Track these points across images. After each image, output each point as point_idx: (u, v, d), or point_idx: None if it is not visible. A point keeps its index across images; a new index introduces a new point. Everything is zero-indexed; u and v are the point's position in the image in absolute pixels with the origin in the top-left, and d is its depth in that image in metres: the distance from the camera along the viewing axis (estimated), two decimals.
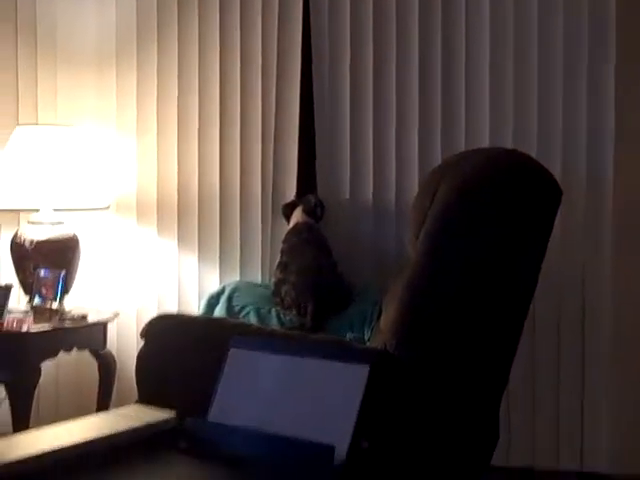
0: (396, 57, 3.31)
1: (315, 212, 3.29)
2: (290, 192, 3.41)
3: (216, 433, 1.42)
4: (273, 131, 3.41)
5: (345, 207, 3.38)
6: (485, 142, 3.22)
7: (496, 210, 2.13)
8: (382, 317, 2.55)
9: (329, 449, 1.28)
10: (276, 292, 3.12)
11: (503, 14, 3.23)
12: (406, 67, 3.31)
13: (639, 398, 3.18)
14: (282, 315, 3.03)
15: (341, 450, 1.30)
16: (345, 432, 1.32)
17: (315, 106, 3.39)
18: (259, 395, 1.45)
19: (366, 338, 2.78)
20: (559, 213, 2.29)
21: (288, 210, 3.34)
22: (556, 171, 2.99)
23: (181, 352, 2.31)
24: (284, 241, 3.25)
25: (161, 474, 1.37)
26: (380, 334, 2.40)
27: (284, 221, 3.36)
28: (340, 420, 1.34)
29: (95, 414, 1.69)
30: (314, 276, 3.06)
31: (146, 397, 2.21)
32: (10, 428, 2.84)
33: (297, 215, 3.29)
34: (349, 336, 2.80)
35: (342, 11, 3.34)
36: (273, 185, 3.43)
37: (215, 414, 1.47)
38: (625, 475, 3.17)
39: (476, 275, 2.14)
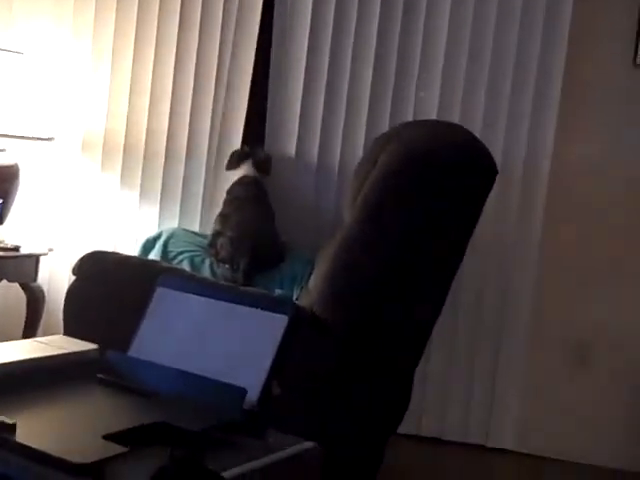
0: (356, 20, 3.31)
1: (265, 167, 3.29)
2: (237, 144, 3.41)
3: (134, 367, 1.46)
4: (225, 82, 3.41)
5: (290, 165, 3.39)
6: (433, 114, 3.26)
7: (432, 183, 2.18)
8: (312, 277, 2.60)
9: (241, 391, 1.32)
10: (212, 243, 3.13)
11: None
12: (364, 33, 3.32)
13: (547, 381, 3.31)
14: (215, 266, 3.05)
15: (253, 394, 1.35)
16: (259, 377, 1.37)
17: (271, 62, 3.39)
18: (180, 334, 1.49)
19: (295, 297, 2.82)
20: (494, 193, 2.36)
21: (237, 159, 3.30)
22: (497, 151, 3.08)
23: (111, 290, 2.33)
24: (228, 192, 3.25)
25: (76, 401, 1.40)
26: (308, 293, 2.45)
27: (228, 172, 3.34)
28: (255, 366, 1.39)
29: (18, 341, 1.70)
30: (251, 234, 3.07)
31: (72, 332, 2.22)
32: None
33: (246, 167, 3.27)
34: (278, 293, 2.84)
35: None
36: (221, 135, 3.42)
37: (136, 349, 1.51)
38: (527, 453, 3.31)
39: (406, 244, 2.20)
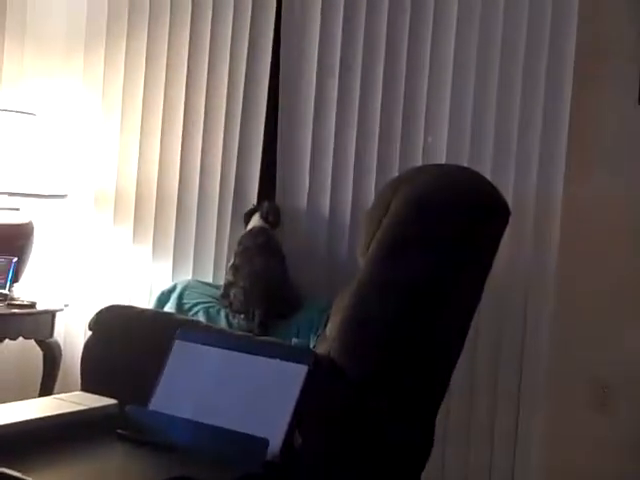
0: (361, 73, 3.35)
1: (273, 219, 3.32)
2: (250, 196, 3.44)
3: (155, 421, 1.45)
4: (237, 135, 3.44)
5: (302, 216, 3.40)
6: (442, 158, 3.28)
7: (445, 227, 2.18)
8: (328, 324, 2.59)
9: (264, 442, 1.31)
10: (225, 294, 3.15)
11: (467, 36, 3.28)
12: (369, 82, 3.34)
13: (571, 426, 3.26)
14: (231, 317, 3.06)
15: (275, 445, 1.34)
16: (280, 428, 1.36)
17: (279, 115, 3.43)
18: (200, 387, 1.49)
19: (312, 345, 2.81)
20: (506, 233, 2.36)
21: (245, 217, 3.36)
22: (508, 190, 3.08)
23: (128, 344, 2.33)
24: (239, 243, 3.27)
25: (97, 457, 1.39)
26: (325, 341, 2.44)
27: (242, 224, 3.37)
28: (276, 416, 1.38)
29: (37, 398, 1.70)
30: (264, 283, 3.10)
31: (89, 387, 2.22)
32: None
33: (254, 220, 3.31)
34: (294, 342, 2.83)
35: (312, 30, 3.38)
36: (234, 188, 3.45)
37: (156, 403, 1.50)
38: None
39: (421, 289, 2.19)
